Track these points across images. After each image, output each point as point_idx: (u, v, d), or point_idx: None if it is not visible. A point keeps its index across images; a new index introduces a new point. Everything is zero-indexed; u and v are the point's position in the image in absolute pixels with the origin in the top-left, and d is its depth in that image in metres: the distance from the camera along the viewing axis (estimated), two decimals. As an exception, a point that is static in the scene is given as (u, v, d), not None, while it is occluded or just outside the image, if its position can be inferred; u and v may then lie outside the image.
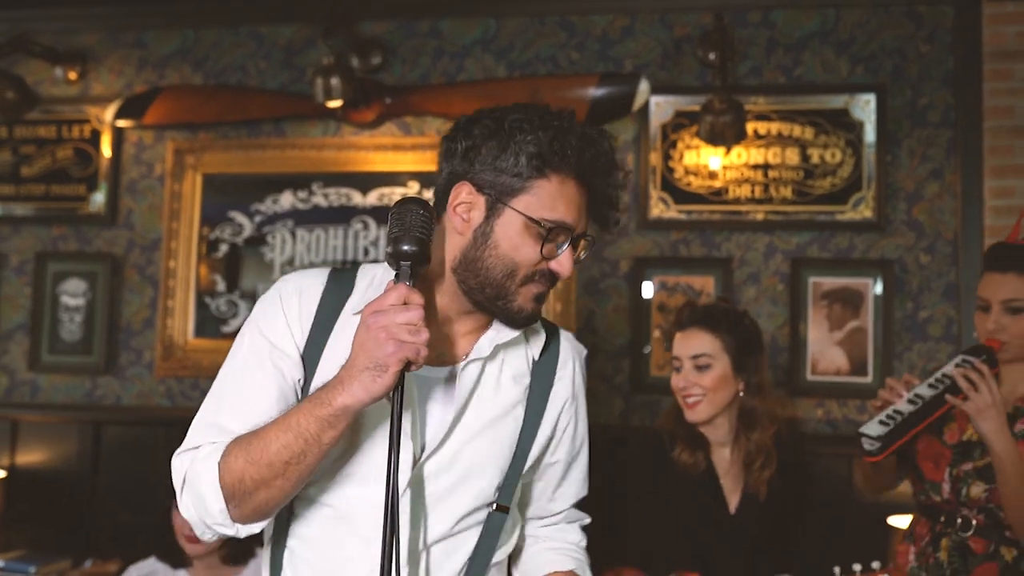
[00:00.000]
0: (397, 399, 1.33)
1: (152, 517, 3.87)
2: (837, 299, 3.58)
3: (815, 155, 3.63)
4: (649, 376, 3.66)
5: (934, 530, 2.41)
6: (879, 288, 3.54)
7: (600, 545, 1.94)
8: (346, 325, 1.50)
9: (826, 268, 3.60)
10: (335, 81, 3.57)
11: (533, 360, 1.62)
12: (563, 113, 1.50)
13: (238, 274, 4.01)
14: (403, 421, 1.43)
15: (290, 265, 3.96)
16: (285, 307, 1.52)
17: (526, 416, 1.59)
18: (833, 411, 3.57)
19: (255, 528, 1.46)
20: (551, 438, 1.65)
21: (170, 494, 2.71)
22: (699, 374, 2.46)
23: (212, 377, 4.09)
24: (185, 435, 3.88)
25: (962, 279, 3.45)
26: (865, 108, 3.61)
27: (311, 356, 1.50)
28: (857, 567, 2.24)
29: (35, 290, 4.14)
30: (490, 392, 1.56)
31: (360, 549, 1.48)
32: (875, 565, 2.26)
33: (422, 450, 1.50)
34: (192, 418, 4.09)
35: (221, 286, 4.02)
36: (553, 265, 1.48)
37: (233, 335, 3.93)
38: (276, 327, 1.51)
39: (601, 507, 1.90)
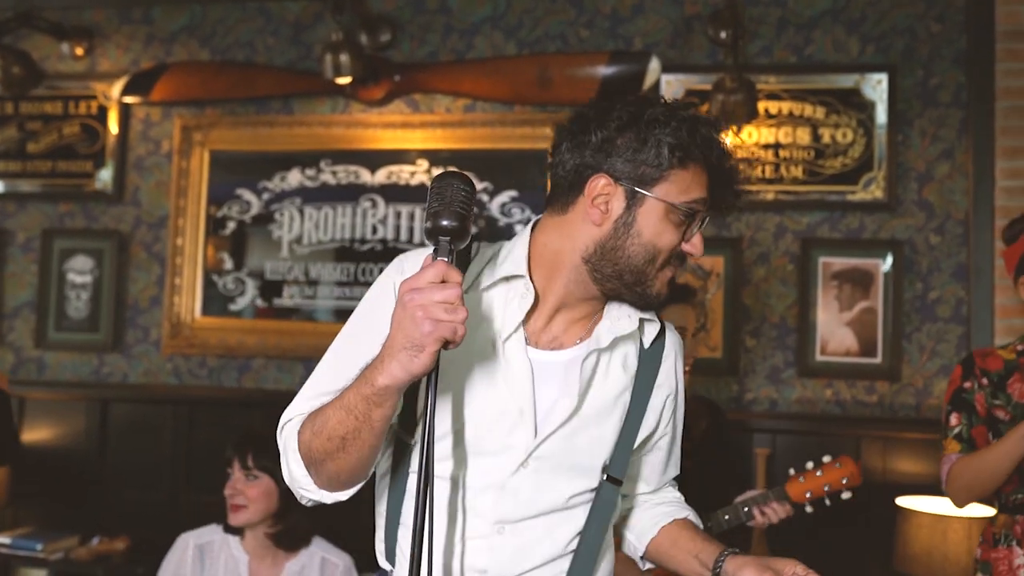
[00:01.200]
0: (433, 379, 1.31)
1: (159, 494, 3.92)
2: (847, 279, 3.57)
3: (826, 135, 3.62)
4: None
5: None
6: (889, 268, 3.53)
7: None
8: (472, 298, 1.53)
9: (836, 248, 3.59)
10: (344, 58, 3.55)
11: (640, 350, 1.64)
12: (688, 105, 1.56)
13: (245, 252, 4.00)
14: (522, 403, 1.48)
15: (298, 243, 3.94)
16: (399, 279, 1.49)
17: (632, 403, 1.61)
18: (842, 392, 3.57)
19: (342, 496, 1.49)
20: (656, 426, 1.68)
21: (225, 462, 2.73)
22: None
23: (219, 355, 4.10)
24: (191, 413, 3.86)
25: (972, 260, 3.45)
26: (876, 88, 3.59)
27: None
28: (809, 464, 2.49)
29: (41, 267, 4.14)
30: (600, 379, 1.58)
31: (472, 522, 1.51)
32: (826, 459, 2.49)
33: (536, 433, 1.51)
34: (199, 396, 4.07)
35: (228, 264, 4.01)
36: (687, 247, 1.51)
37: (240, 313, 3.97)
38: (387, 300, 1.51)
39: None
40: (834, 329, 3.57)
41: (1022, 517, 2.36)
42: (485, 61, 3.84)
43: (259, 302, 3.96)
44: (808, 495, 2.44)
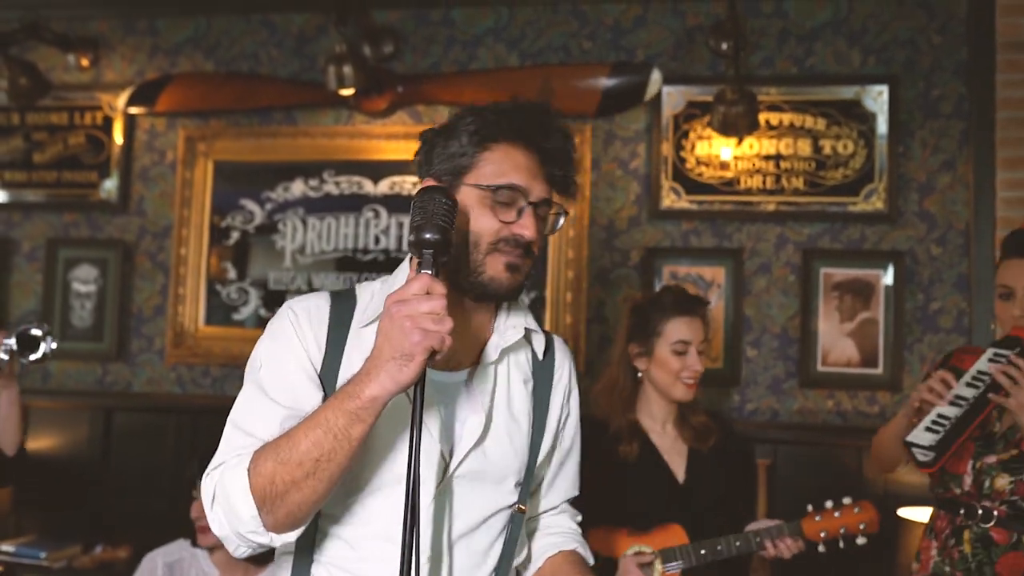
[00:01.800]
0: (418, 392, 1.33)
1: (161, 503, 3.93)
2: (848, 290, 3.58)
3: (827, 146, 3.63)
4: (659, 366, 3.65)
5: (954, 523, 2.40)
6: (890, 279, 3.54)
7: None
8: (357, 339, 1.53)
9: (837, 259, 3.60)
10: (347, 69, 3.57)
11: (533, 362, 1.67)
12: (512, 99, 1.59)
13: (248, 262, 4.02)
14: (430, 426, 1.48)
15: (301, 253, 3.96)
16: (297, 328, 1.53)
17: (535, 416, 1.65)
18: (843, 403, 3.57)
19: (289, 537, 1.44)
20: (555, 436, 1.71)
21: (188, 483, 2.72)
22: (702, 359, 2.61)
23: (223, 364, 4.10)
24: (194, 422, 3.85)
25: (974, 270, 3.45)
26: (877, 99, 3.60)
27: (329, 372, 1.52)
28: (829, 503, 2.44)
29: (46, 276, 4.16)
30: (504, 395, 1.61)
31: (392, 552, 1.46)
32: (846, 500, 2.44)
33: (451, 454, 1.53)
34: (202, 404, 4.05)
35: (232, 274, 4.02)
36: (515, 229, 1.51)
37: (244, 323, 3.97)
38: (292, 347, 1.52)
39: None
40: (835, 340, 3.57)
41: (939, 511, 2.50)
42: (487, 72, 3.86)
43: (262, 312, 3.98)
44: (823, 535, 2.41)
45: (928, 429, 2.35)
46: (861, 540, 2.41)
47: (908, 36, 3.63)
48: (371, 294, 1.59)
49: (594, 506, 2.02)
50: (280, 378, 1.49)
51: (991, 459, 2.34)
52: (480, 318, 1.61)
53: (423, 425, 1.38)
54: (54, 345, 2.75)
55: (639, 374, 2.63)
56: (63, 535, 3.93)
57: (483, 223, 1.50)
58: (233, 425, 1.49)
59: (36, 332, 2.72)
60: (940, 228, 3.55)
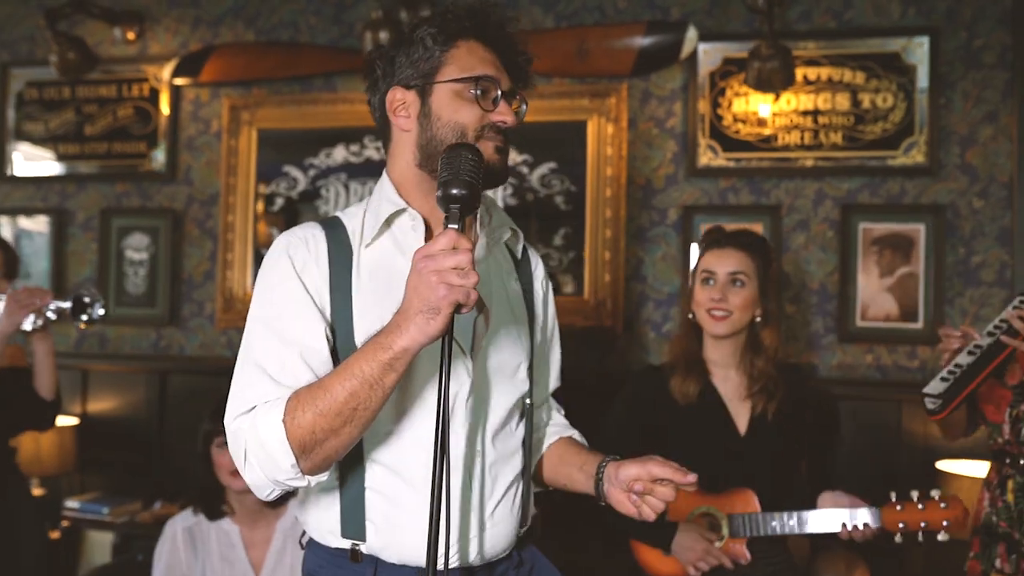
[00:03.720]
0: (448, 339, 1.38)
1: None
2: (888, 245, 3.56)
3: (866, 100, 3.60)
4: (697, 323, 3.68)
5: (1000, 472, 2.42)
6: (930, 233, 3.51)
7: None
8: (362, 259, 1.60)
9: (877, 214, 3.58)
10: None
11: (515, 260, 1.79)
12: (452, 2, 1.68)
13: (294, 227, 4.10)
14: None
15: (344, 218, 4.04)
16: (295, 260, 1.57)
17: (526, 308, 1.76)
18: (883, 357, 3.57)
19: (322, 477, 1.52)
20: (541, 328, 1.82)
21: (204, 438, 2.81)
22: (734, 290, 2.55)
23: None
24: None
25: (1017, 223, 3.41)
26: (918, 51, 3.55)
27: (338, 293, 1.57)
28: (914, 494, 2.32)
29: (101, 245, 4.30)
30: (502, 293, 1.71)
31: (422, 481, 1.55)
32: (934, 494, 2.32)
33: (470, 356, 1.61)
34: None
35: (278, 239, 4.11)
36: (495, 116, 1.59)
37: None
38: (292, 281, 1.56)
39: (613, 444, 1.95)
40: (874, 294, 3.57)
41: (992, 463, 2.49)
42: (523, 34, 3.86)
43: (308, 276, 4.07)
44: (902, 526, 2.32)
45: (942, 379, 2.37)
46: (942, 536, 2.31)
47: (949, -15, 3.57)
48: (360, 218, 1.65)
49: (636, 443, 2.05)
50: (289, 316, 1.54)
51: None
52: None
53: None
54: (101, 311, 2.88)
55: (691, 316, 2.64)
56: (124, 492, 4.10)
57: (465, 114, 1.59)
58: (255, 367, 1.53)
59: (86, 298, 2.89)
60: (982, 181, 3.51)
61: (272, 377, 1.51)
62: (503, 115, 1.60)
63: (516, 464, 1.68)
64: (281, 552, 2.76)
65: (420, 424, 1.57)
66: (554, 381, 1.91)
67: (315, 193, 4.08)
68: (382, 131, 1.70)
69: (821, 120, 3.63)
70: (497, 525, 1.62)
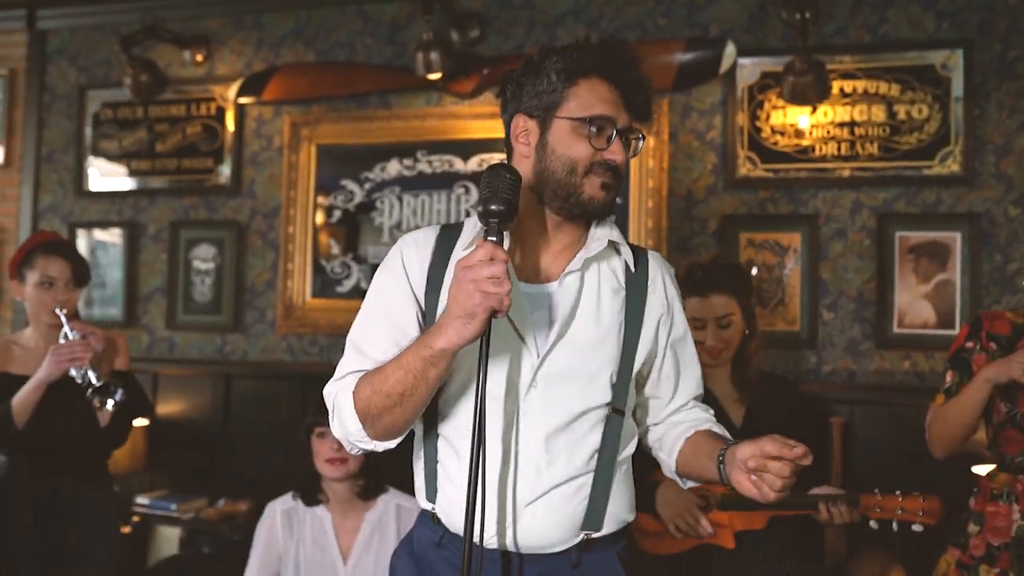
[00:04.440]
0: (485, 342, 1.54)
1: (276, 461, 4.28)
2: (924, 253, 3.64)
3: (901, 111, 3.69)
4: (737, 329, 3.80)
5: None
6: (966, 242, 3.58)
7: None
8: (459, 258, 1.75)
9: (913, 223, 3.66)
10: (434, 55, 3.82)
11: (626, 274, 1.83)
12: (582, 39, 1.81)
13: (351, 238, 4.32)
14: (524, 332, 1.70)
15: (398, 229, 4.24)
16: (404, 258, 1.80)
17: (627, 326, 1.80)
18: (920, 363, 3.65)
19: (390, 444, 1.73)
20: (652, 349, 1.85)
21: (300, 443, 3.02)
22: (723, 332, 2.73)
23: (329, 334, 4.42)
24: (304, 387, 4.19)
25: (1053, 231, 3.48)
26: (952, 63, 3.64)
27: (431, 291, 1.77)
28: (897, 491, 2.46)
29: (170, 256, 4.56)
30: (592, 304, 1.78)
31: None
32: (914, 492, 2.46)
33: (539, 357, 1.73)
34: (311, 371, 4.39)
35: (336, 249, 4.34)
36: (606, 155, 1.72)
37: (347, 295, 4.27)
38: (398, 275, 1.79)
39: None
40: (911, 301, 3.65)
41: (1016, 477, 2.44)
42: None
43: (363, 284, 4.28)
44: (878, 511, 2.45)
45: None
46: (917, 527, 2.43)
47: (984, -1, 3.65)
48: (474, 223, 1.80)
49: None
50: (387, 303, 1.77)
51: None
52: (572, 236, 1.81)
53: (517, 332, 1.70)
54: (114, 405, 2.96)
55: None
56: (190, 490, 4.34)
57: (578, 150, 1.72)
58: (352, 344, 1.77)
59: (114, 392, 2.96)
60: (1017, 189, 3.58)
61: (363, 352, 1.74)
62: (614, 154, 1.72)
63: (576, 466, 1.73)
64: (368, 541, 2.98)
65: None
66: (694, 390, 1.95)
67: (371, 205, 4.29)
68: (507, 149, 1.84)
69: (858, 131, 3.73)
70: (538, 519, 1.71)
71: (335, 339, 4.30)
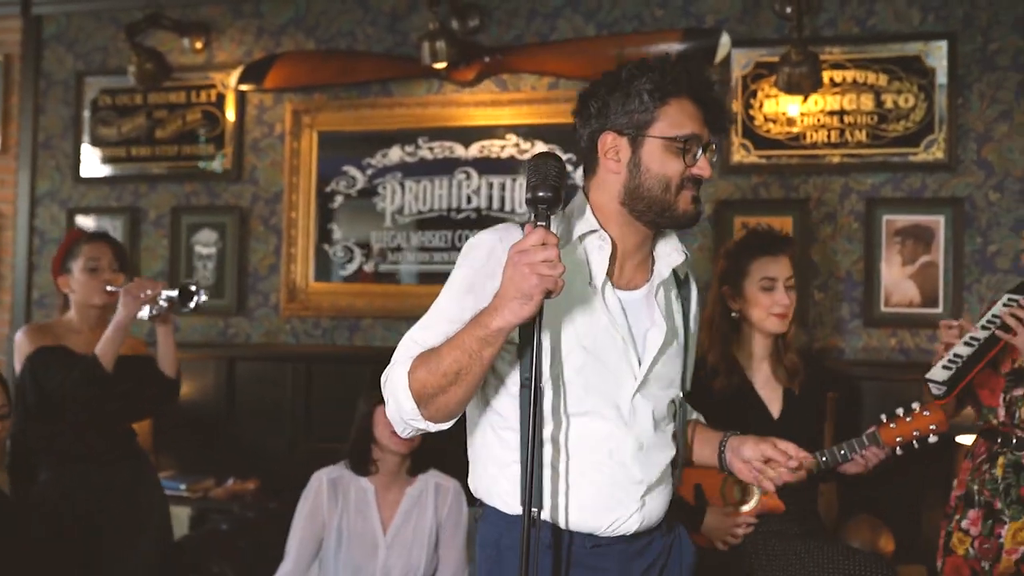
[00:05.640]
0: (538, 322, 1.65)
1: (281, 441, 4.38)
2: (910, 236, 3.83)
3: (888, 100, 3.86)
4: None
5: (991, 449, 2.68)
6: (949, 225, 3.78)
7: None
8: None
9: (899, 207, 3.85)
10: (440, 44, 3.93)
11: (678, 280, 2.00)
12: (662, 56, 1.90)
13: (352, 223, 4.42)
14: (623, 332, 1.82)
15: (400, 214, 4.35)
16: (489, 252, 1.83)
17: (685, 330, 1.99)
18: (906, 340, 3.84)
19: (443, 425, 1.80)
20: (693, 341, 2.05)
21: (372, 402, 3.08)
22: (790, 294, 2.84)
23: (332, 316, 4.54)
24: (308, 369, 4.27)
25: (1030, 214, 3.68)
26: (937, 54, 3.82)
27: None
28: (899, 410, 2.62)
29: (172, 241, 4.62)
30: (672, 307, 1.95)
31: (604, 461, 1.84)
32: (914, 406, 2.63)
33: (639, 361, 1.85)
34: (314, 353, 4.48)
35: (338, 234, 4.44)
36: (695, 171, 1.81)
37: (349, 279, 4.36)
38: (473, 267, 1.84)
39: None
40: (898, 282, 3.84)
41: (979, 439, 2.77)
42: (567, 42, 4.17)
43: (366, 268, 4.39)
44: (899, 439, 2.59)
45: (944, 367, 2.64)
46: (933, 439, 2.58)
47: (966, -7, 3.83)
48: (566, 228, 1.89)
49: None
50: (456, 297, 1.81)
51: (1019, 391, 2.61)
52: (649, 245, 1.92)
53: (621, 336, 1.81)
54: (204, 298, 3.21)
55: (733, 314, 2.89)
56: (196, 471, 4.41)
57: (671, 167, 1.79)
58: (409, 336, 1.81)
59: (192, 287, 3.26)
60: (998, 175, 3.77)
61: (419, 342, 1.78)
62: (702, 170, 1.81)
63: (669, 453, 1.92)
64: (408, 515, 3.10)
65: (593, 418, 1.84)
66: (687, 383, 2.09)
67: (373, 191, 4.39)
68: (587, 160, 1.90)
69: (847, 119, 3.90)
70: (655, 499, 1.88)
71: (338, 321, 4.40)
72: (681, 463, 2.01)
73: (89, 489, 3.14)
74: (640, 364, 1.85)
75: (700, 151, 1.82)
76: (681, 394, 1.99)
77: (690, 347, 2.04)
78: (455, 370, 1.68)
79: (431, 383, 1.71)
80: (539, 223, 1.63)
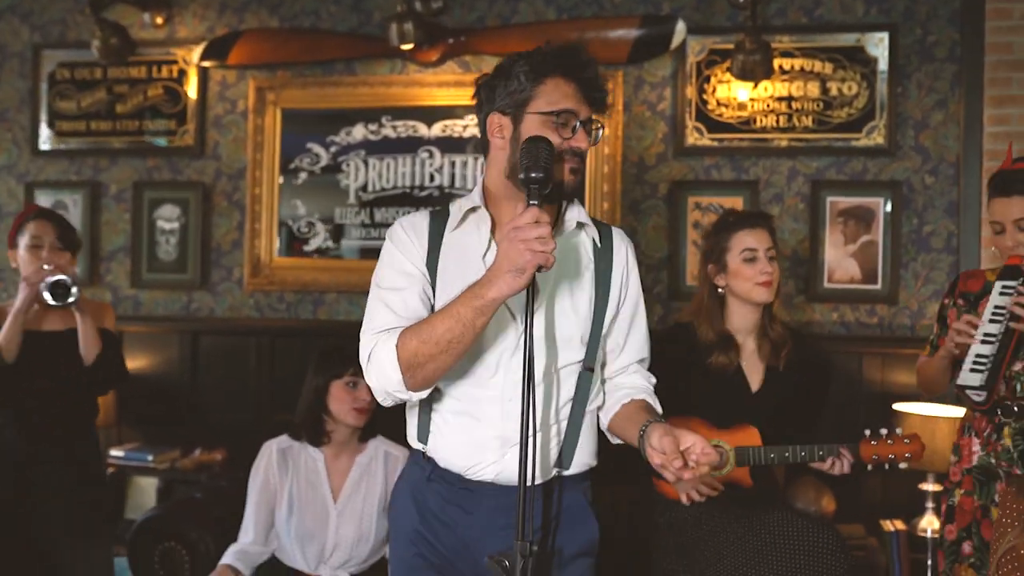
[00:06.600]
0: (531, 293, 1.82)
1: (246, 414, 4.46)
2: (851, 216, 4.06)
3: (833, 88, 4.08)
4: (684, 285, 4.17)
5: (994, 422, 2.79)
6: (888, 206, 4.02)
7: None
8: (448, 240, 2.05)
9: (842, 189, 4.08)
10: (408, 26, 4.02)
11: (594, 249, 2.11)
12: (545, 44, 2.05)
13: (316, 199, 4.51)
14: (510, 304, 1.95)
15: (363, 191, 4.45)
16: (408, 235, 2.05)
17: (598, 290, 2.10)
18: (847, 315, 4.08)
19: (422, 394, 1.97)
20: (617, 306, 2.14)
21: (331, 378, 3.17)
22: (772, 264, 2.93)
23: (296, 291, 4.66)
24: (272, 343, 4.31)
25: (962, 198, 3.92)
26: (879, 45, 4.04)
27: (431, 265, 2.03)
28: (883, 431, 2.77)
29: (134, 216, 4.65)
30: (566, 276, 2.06)
31: (488, 410, 2.01)
32: (899, 431, 2.79)
33: (522, 324, 1.98)
34: (278, 327, 4.53)
35: (301, 210, 4.52)
36: (572, 142, 1.96)
37: (312, 254, 4.45)
38: (406, 249, 2.04)
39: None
40: (840, 260, 4.07)
41: (973, 414, 2.87)
42: (528, 25, 4.30)
43: (329, 243, 4.48)
44: (874, 458, 2.71)
45: (973, 370, 2.69)
46: (903, 466, 2.72)
47: (907, -13, 4.05)
48: (459, 207, 2.07)
49: (672, 402, 2.46)
50: (403, 268, 2.02)
51: (1018, 366, 2.73)
52: (545, 217, 2.01)
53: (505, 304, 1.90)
54: (73, 299, 3.13)
55: (720, 290, 2.98)
56: (161, 443, 4.47)
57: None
58: (382, 303, 1.99)
59: (67, 282, 3.13)
60: (933, 160, 4.02)
61: (395, 311, 1.97)
62: (579, 142, 1.96)
63: (553, 414, 2.03)
64: (358, 483, 3.19)
65: (475, 370, 2.01)
66: (639, 352, 2.18)
67: (336, 168, 4.47)
68: (483, 145, 2.07)
69: (794, 105, 4.11)
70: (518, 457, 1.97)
71: (302, 295, 4.50)
72: (578, 426, 2.08)
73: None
74: (520, 326, 1.97)
75: (577, 125, 1.98)
76: (587, 362, 2.06)
77: (621, 314, 2.13)
78: (448, 339, 1.85)
79: (423, 352, 1.87)
80: (532, 202, 1.80)
